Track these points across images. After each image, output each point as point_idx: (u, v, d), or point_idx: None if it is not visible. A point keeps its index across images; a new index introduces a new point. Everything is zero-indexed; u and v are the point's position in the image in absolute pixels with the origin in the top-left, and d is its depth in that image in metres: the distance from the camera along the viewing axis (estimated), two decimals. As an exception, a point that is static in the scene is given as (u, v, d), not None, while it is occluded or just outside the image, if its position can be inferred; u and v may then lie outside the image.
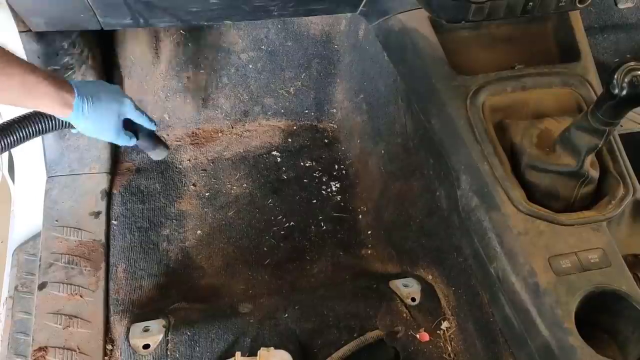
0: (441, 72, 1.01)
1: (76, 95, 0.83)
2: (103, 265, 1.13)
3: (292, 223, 1.29)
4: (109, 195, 1.25)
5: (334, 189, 1.37)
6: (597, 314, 0.83)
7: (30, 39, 1.07)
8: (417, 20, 1.05)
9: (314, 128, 1.48)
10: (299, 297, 1.11)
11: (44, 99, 0.81)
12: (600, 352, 0.76)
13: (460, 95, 0.97)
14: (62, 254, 1.13)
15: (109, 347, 1.04)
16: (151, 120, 0.94)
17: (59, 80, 0.82)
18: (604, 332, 0.85)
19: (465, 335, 1.04)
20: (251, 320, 1.05)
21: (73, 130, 0.88)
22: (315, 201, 1.34)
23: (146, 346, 1.01)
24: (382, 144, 1.29)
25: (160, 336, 1.02)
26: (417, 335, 1.06)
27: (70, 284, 1.09)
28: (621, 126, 1.30)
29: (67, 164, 1.24)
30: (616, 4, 1.12)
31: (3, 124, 0.83)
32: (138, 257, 1.18)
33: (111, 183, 1.27)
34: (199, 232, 1.24)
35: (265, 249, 1.24)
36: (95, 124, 0.88)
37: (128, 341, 1.01)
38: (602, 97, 0.75)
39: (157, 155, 1.03)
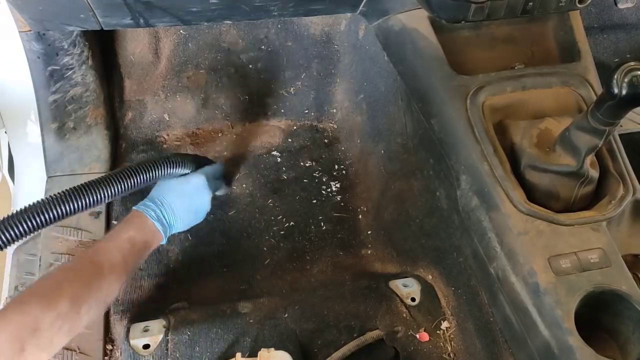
0: (441, 72, 1.01)
1: (163, 235, 0.98)
2: (103, 265, 1.13)
3: (292, 223, 1.29)
4: (109, 195, 1.25)
5: (334, 189, 1.37)
6: (597, 314, 0.83)
7: (30, 39, 1.07)
8: (417, 20, 1.05)
9: (314, 128, 1.48)
10: (299, 297, 1.11)
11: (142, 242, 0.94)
12: (600, 352, 0.76)
13: (460, 95, 0.97)
14: (62, 254, 1.13)
15: (109, 347, 1.04)
16: (228, 184, 1.13)
17: (138, 229, 0.94)
18: (604, 332, 0.85)
19: (465, 335, 1.04)
20: (251, 321, 1.05)
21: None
22: (315, 201, 1.34)
23: (146, 346, 1.01)
24: (382, 144, 1.29)
25: (160, 336, 1.02)
26: (417, 335, 1.06)
27: (70, 284, 1.09)
28: (621, 126, 1.30)
29: (67, 164, 1.24)
30: (616, 4, 1.12)
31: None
32: (138, 257, 1.18)
33: (111, 183, 1.27)
34: (199, 232, 1.24)
35: (265, 249, 1.24)
36: (190, 224, 1.05)
37: (128, 341, 1.01)
38: (602, 97, 0.75)
39: (220, 192, 1.24)
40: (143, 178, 0.93)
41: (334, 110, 1.48)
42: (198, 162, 1.10)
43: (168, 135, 1.40)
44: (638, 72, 0.69)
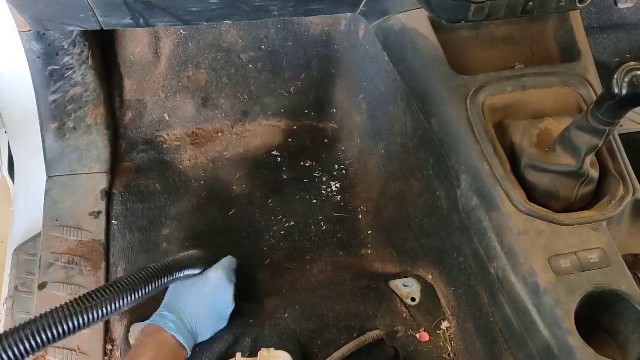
0: (441, 72, 1.01)
1: (187, 349, 0.87)
2: (103, 265, 1.13)
3: (292, 223, 1.29)
4: (109, 195, 1.25)
5: (334, 189, 1.37)
6: (597, 314, 0.83)
7: (30, 39, 1.08)
8: (417, 20, 1.05)
9: (314, 128, 1.47)
10: (299, 297, 1.11)
11: None
12: (600, 352, 0.76)
13: (460, 95, 0.97)
14: (62, 254, 1.13)
15: (109, 347, 1.04)
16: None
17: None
18: (604, 332, 0.85)
19: (465, 335, 1.04)
20: (251, 321, 1.05)
21: None
22: (315, 201, 1.34)
23: (146, 346, 1.01)
24: (382, 144, 1.29)
25: (160, 336, 1.02)
26: (417, 335, 1.06)
27: (70, 284, 1.09)
28: (621, 126, 1.30)
29: (67, 164, 1.25)
30: (616, 4, 1.12)
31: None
32: (138, 257, 1.18)
33: (111, 183, 1.27)
34: (198, 232, 1.24)
35: (265, 249, 1.24)
36: (216, 328, 0.97)
37: (128, 341, 1.01)
38: (602, 97, 0.75)
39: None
40: (152, 287, 0.81)
41: (334, 110, 1.48)
42: (209, 260, 1.00)
43: (168, 135, 1.40)
44: (638, 72, 0.69)
